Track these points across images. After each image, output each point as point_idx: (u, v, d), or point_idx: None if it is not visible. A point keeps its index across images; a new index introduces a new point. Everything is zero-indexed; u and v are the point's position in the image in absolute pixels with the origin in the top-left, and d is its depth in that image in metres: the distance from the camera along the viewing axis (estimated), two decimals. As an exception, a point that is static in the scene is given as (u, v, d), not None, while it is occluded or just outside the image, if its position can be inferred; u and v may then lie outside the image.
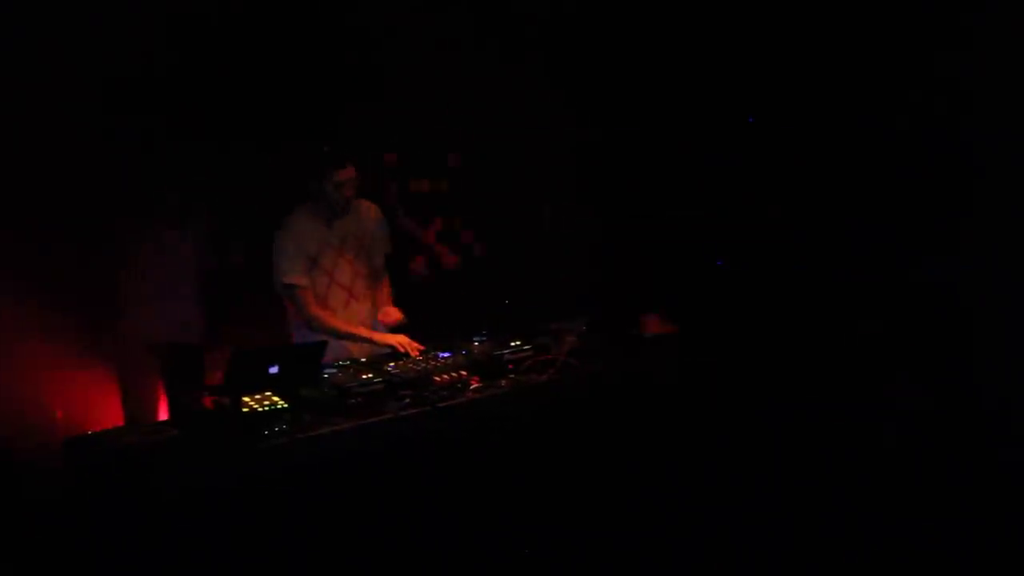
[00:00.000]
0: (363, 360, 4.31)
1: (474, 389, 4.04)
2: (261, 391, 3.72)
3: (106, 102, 5.00)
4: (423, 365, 4.16)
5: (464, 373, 4.11)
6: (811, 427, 4.72)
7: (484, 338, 4.40)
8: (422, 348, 4.42)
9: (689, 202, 5.88)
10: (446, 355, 4.28)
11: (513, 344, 4.31)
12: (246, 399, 3.65)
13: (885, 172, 5.20)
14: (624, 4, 5.84)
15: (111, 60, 4.96)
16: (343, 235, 4.60)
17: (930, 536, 4.15)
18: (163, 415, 5.00)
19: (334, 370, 4.08)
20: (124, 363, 5.14)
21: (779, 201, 5.64)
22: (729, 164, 5.78)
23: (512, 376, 4.17)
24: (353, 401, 3.83)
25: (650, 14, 5.80)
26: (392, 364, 4.18)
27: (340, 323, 4.51)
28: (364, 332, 4.52)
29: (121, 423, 4.96)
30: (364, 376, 3.96)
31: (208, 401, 3.64)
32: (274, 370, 3.70)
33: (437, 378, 4.04)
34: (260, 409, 3.61)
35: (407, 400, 3.88)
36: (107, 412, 5.15)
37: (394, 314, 4.63)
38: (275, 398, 3.68)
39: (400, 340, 4.46)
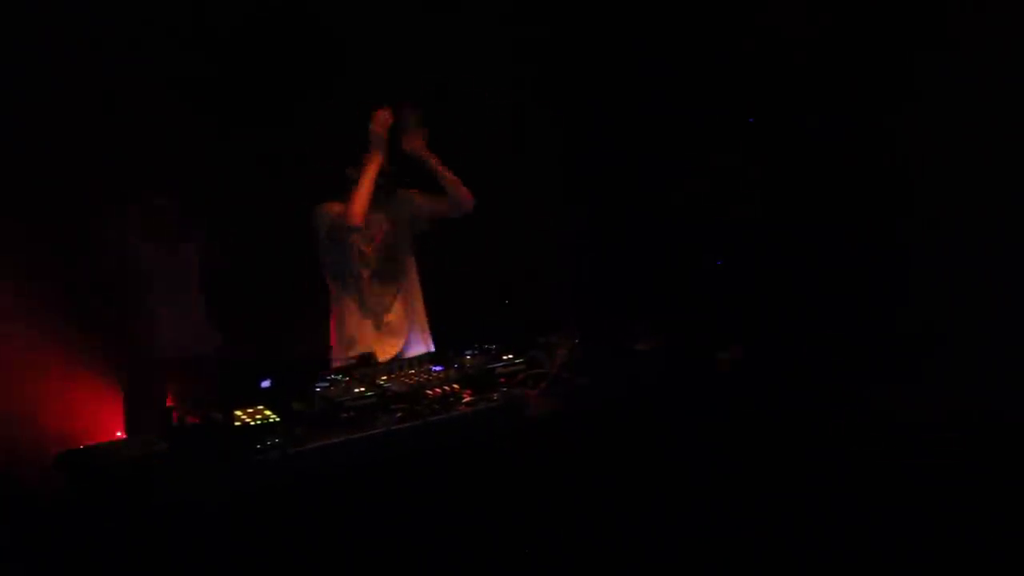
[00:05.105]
0: (354, 370, 4.32)
1: (466, 403, 4.05)
2: (253, 405, 3.73)
3: (109, 107, 5.02)
4: (415, 379, 4.16)
5: (456, 387, 4.12)
6: (806, 436, 4.73)
7: (476, 351, 4.42)
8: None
9: (684, 211, 5.90)
10: (438, 368, 4.29)
11: (505, 358, 4.31)
12: (238, 413, 3.66)
13: (880, 172, 5.23)
14: (621, 2, 5.85)
15: (111, 61, 4.98)
16: (372, 234, 4.69)
17: (928, 537, 4.17)
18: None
19: (326, 384, 4.09)
20: (130, 374, 5.13)
21: (774, 204, 5.66)
22: (727, 164, 5.79)
23: (504, 390, 4.18)
24: (345, 415, 3.84)
25: (648, 12, 5.82)
26: (385, 378, 4.19)
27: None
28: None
29: (123, 435, 4.96)
30: (357, 390, 3.97)
31: (200, 415, 3.65)
32: (266, 384, 3.72)
33: (429, 392, 4.04)
34: (252, 423, 3.62)
35: (399, 414, 3.90)
36: (108, 424, 5.16)
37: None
38: (267, 412, 3.69)
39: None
